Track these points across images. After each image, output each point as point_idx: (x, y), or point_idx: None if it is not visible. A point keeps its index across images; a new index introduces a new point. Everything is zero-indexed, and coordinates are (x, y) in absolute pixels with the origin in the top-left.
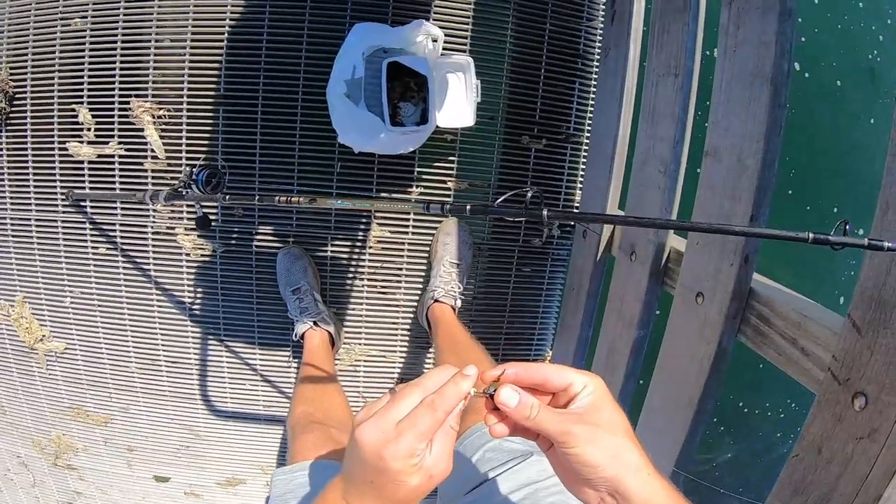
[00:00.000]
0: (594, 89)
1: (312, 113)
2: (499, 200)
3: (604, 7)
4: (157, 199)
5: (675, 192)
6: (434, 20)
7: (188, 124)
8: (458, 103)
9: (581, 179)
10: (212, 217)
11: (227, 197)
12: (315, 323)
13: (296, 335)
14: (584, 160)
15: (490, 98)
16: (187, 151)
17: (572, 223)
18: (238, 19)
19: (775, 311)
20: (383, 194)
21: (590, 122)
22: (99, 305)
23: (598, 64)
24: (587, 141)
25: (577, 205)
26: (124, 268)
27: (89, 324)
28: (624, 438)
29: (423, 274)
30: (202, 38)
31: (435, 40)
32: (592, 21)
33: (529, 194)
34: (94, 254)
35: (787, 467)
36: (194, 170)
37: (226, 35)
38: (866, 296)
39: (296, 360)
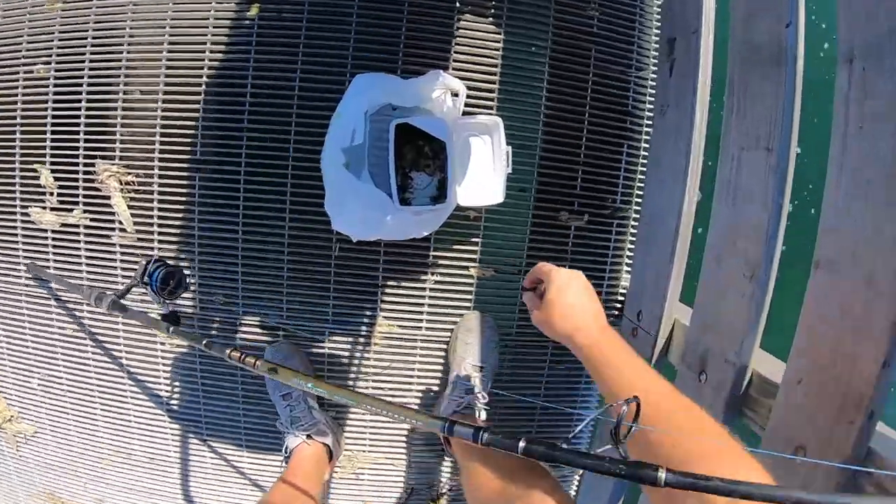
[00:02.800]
0: (644, 153)
1: (304, 183)
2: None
3: (656, 54)
4: (100, 304)
5: (765, 304)
6: (454, 71)
7: (160, 193)
8: (484, 174)
9: (628, 262)
10: (187, 306)
11: (172, 329)
12: (309, 436)
13: (285, 450)
14: (633, 239)
15: (522, 165)
16: (159, 225)
17: (619, 315)
18: (218, 67)
19: None
20: (390, 283)
21: (639, 192)
22: (68, 390)
23: (649, 122)
24: (636, 215)
25: (623, 292)
26: (93, 352)
27: (58, 409)
28: (564, 320)
29: (438, 375)
30: (177, 91)
31: (455, 95)
32: (643, 70)
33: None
34: (60, 334)
35: None
36: (149, 266)
37: (203, 86)
38: None
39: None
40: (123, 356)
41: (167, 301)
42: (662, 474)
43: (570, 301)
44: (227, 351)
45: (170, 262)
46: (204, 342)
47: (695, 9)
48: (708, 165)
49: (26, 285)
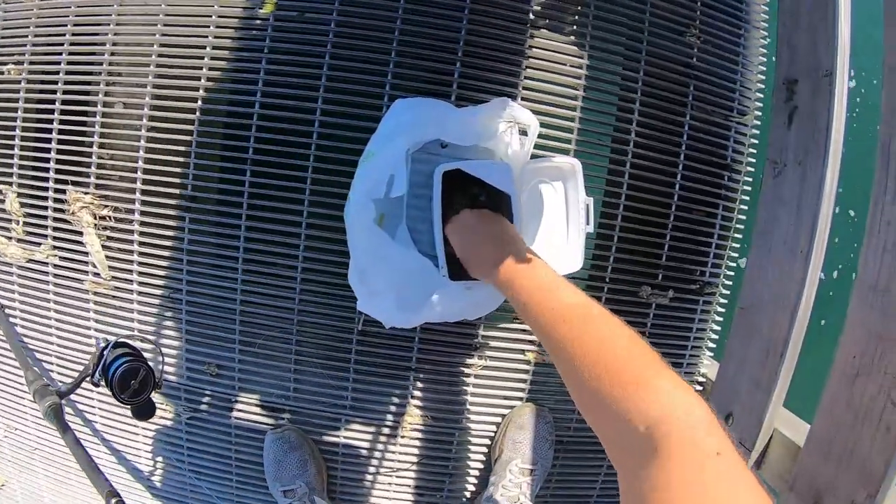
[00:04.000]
0: (741, 216)
1: (323, 236)
2: None
3: (765, 97)
4: (40, 402)
5: None
6: (524, 101)
7: (141, 233)
8: (558, 235)
9: (710, 344)
10: (171, 373)
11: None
12: None
13: None
14: (719, 318)
15: (598, 227)
16: (139, 273)
17: None
18: (219, 78)
19: None
20: (426, 367)
21: (732, 264)
22: (37, 450)
23: (748, 180)
24: (725, 290)
25: (703, 381)
26: (66, 412)
27: (28, 467)
28: None
29: (475, 476)
30: (167, 105)
31: (524, 133)
32: (745, 115)
33: None
34: (25, 393)
35: None
36: (106, 352)
37: (200, 101)
38: None
39: None
40: (98, 422)
41: (128, 403)
42: None
43: None
44: None
45: (142, 337)
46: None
47: (826, 43)
48: (834, 242)
49: None
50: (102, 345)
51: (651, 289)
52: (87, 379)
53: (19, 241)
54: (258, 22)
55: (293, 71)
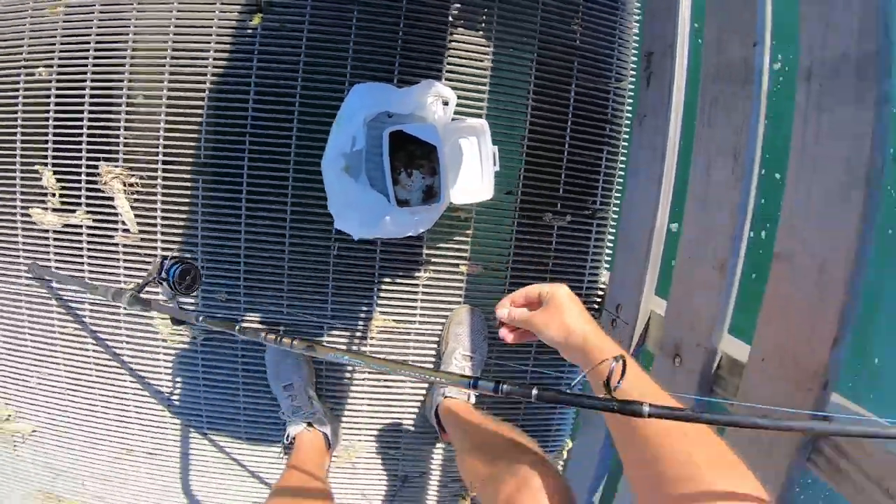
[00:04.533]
0: (623, 158)
1: (305, 186)
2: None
3: (634, 67)
4: (119, 300)
5: (731, 296)
6: (446, 80)
7: (163, 194)
8: (473, 174)
9: (607, 259)
10: (191, 302)
11: (201, 318)
12: (309, 424)
13: (287, 437)
14: (611, 238)
15: (508, 169)
16: (162, 226)
17: (599, 308)
18: (221, 73)
19: (856, 443)
20: (386, 280)
21: (618, 195)
22: (68, 388)
23: (627, 130)
24: (615, 216)
25: (603, 287)
26: (95, 351)
27: (58, 407)
28: (569, 317)
29: (430, 365)
30: (180, 95)
31: (446, 103)
32: (622, 81)
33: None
34: (61, 333)
35: None
36: (166, 262)
37: (207, 92)
38: None
39: (287, 457)
40: (125, 353)
41: (183, 295)
42: (646, 408)
43: (577, 306)
44: (263, 334)
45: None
46: (237, 327)
47: (672, 25)
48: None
49: (27, 285)
50: (161, 258)
51: (552, 214)
52: (153, 279)
53: (55, 210)
54: (249, 31)
55: (278, 66)
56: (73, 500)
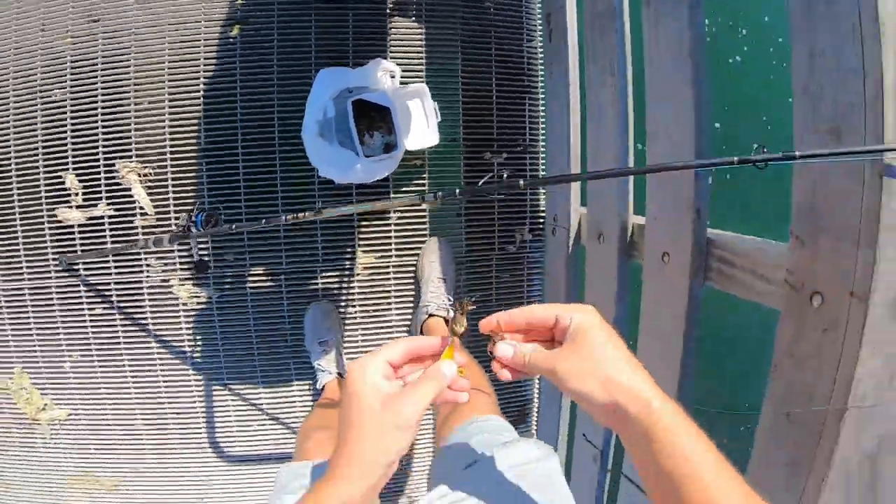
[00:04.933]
0: (542, 99)
1: (291, 155)
2: (481, 182)
3: (541, 27)
4: (161, 244)
5: (629, 179)
6: (391, 57)
7: (174, 178)
8: (420, 126)
9: (542, 191)
10: (208, 267)
11: (234, 225)
12: (339, 373)
13: (319, 384)
14: (544, 167)
15: (450, 121)
16: (175, 203)
17: (542, 226)
18: (211, 76)
19: (734, 252)
20: (363, 224)
21: (544, 131)
22: (100, 365)
23: (543, 77)
24: (543, 148)
25: (543, 206)
26: (122, 325)
27: (91, 386)
28: (615, 363)
29: (412, 294)
30: (179, 97)
31: (393, 76)
32: (532, 41)
33: (505, 175)
34: (90, 315)
35: (773, 380)
36: (192, 214)
37: (201, 91)
38: (801, 210)
39: (306, 397)
40: (149, 323)
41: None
42: (522, 181)
43: (620, 344)
44: (283, 217)
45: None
46: (262, 221)
47: None
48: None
49: (57, 278)
50: (189, 211)
51: (490, 153)
52: (186, 224)
53: (78, 207)
54: (231, 39)
55: (257, 64)
56: (109, 479)
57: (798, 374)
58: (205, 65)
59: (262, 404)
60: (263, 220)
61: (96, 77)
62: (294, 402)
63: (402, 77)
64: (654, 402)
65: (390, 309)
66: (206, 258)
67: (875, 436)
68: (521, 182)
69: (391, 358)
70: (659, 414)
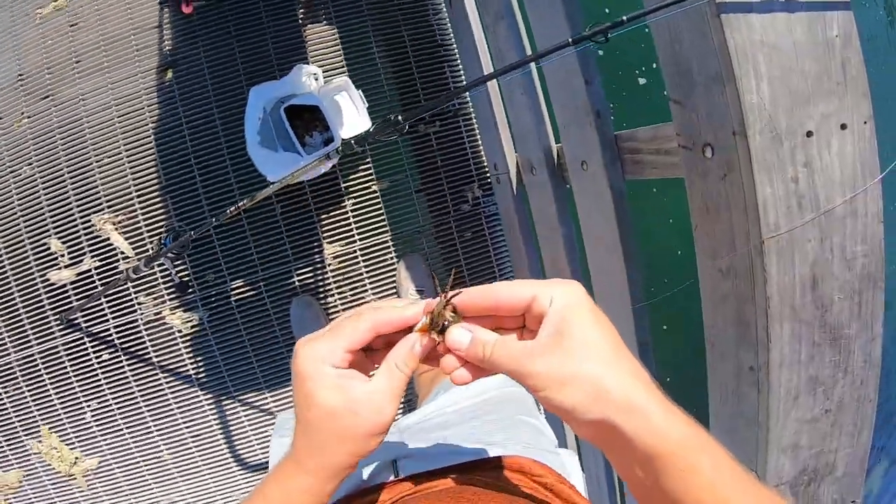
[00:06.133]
0: (460, 67)
1: (244, 170)
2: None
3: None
4: (139, 271)
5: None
6: (312, 60)
7: (144, 218)
8: (352, 115)
9: (479, 136)
10: (189, 287)
11: (192, 232)
12: None
13: None
14: (476, 125)
15: (380, 105)
16: (150, 239)
17: (489, 179)
18: (158, 120)
19: (638, 140)
20: (323, 217)
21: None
22: (117, 408)
23: (455, 46)
24: (472, 108)
25: (485, 162)
26: (129, 365)
27: (113, 430)
28: (608, 365)
29: (384, 274)
30: (134, 146)
31: (316, 77)
32: (438, 14)
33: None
34: (98, 363)
35: (698, 239)
36: (161, 238)
37: (152, 135)
38: (670, 74)
39: None
40: (153, 356)
41: (179, 252)
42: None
43: (616, 338)
44: (226, 210)
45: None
46: (213, 219)
47: None
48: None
49: (62, 335)
50: (157, 239)
51: (425, 125)
52: (158, 250)
53: (66, 266)
54: (167, 83)
55: (195, 101)
56: None
57: (716, 226)
58: (149, 112)
59: (270, 408)
60: (214, 219)
61: (56, 146)
62: None
63: (325, 76)
64: (654, 416)
65: (366, 290)
66: (188, 280)
67: (803, 260)
68: (400, 118)
69: (351, 344)
70: (665, 432)
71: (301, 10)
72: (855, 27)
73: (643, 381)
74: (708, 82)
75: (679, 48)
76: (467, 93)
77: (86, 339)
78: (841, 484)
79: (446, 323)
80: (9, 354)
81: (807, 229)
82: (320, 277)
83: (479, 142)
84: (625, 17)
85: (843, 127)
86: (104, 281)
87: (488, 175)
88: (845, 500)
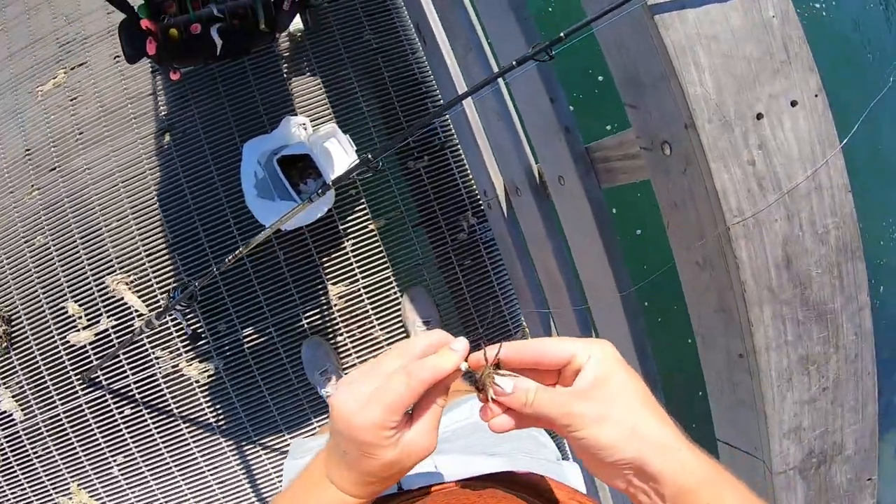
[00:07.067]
0: (440, 98)
1: (245, 221)
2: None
3: (416, 38)
4: (152, 325)
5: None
6: (299, 111)
7: (154, 275)
8: (342, 159)
9: (467, 166)
10: (202, 337)
11: (198, 282)
12: None
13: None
14: (462, 154)
15: (368, 146)
16: (161, 294)
17: (481, 206)
18: (160, 181)
19: (607, 148)
20: (324, 260)
21: (450, 123)
22: (142, 460)
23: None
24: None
25: (476, 191)
26: (151, 417)
27: (140, 482)
28: (642, 409)
29: (389, 310)
30: (139, 208)
31: (305, 127)
32: (416, 53)
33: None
34: (121, 418)
35: (671, 235)
36: (171, 292)
37: (155, 196)
38: (622, 81)
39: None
40: (173, 408)
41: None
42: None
43: (644, 390)
44: (226, 259)
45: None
46: (215, 270)
47: (415, 1)
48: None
49: (84, 394)
50: (167, 292)
51: (414, 161)
52: (169, 302)
53: (85, 327)
54: (165, 145)
55: (194, 160)
56: None
57: (685, 220)
58: (151, 174)
59: (286, 446)
60: (215, 267)
61: (66, 214)
62: (316, 433)
63: (314, 124)
64: (682, 454)
65: (373, 326)
66: (200, 331)
67: (773, 241)
68: (370, 156)
69: (407, 406)
70: (692, 469)
71: (285, 66)
72: (791, 4)
73: (670, 425)
74: (655, 82)
75: (625, 54)
76: (450, 126)
77: (108, 396)
78: (853, 463)
79: (492, 372)
80: (35, 416)
81: (772, 210)
82: (328, 318)
83: (468, 171)
84: (562, 34)
85: (794, 104)
86: (120, 338)
87: (480, 202)
88: (860, 478)
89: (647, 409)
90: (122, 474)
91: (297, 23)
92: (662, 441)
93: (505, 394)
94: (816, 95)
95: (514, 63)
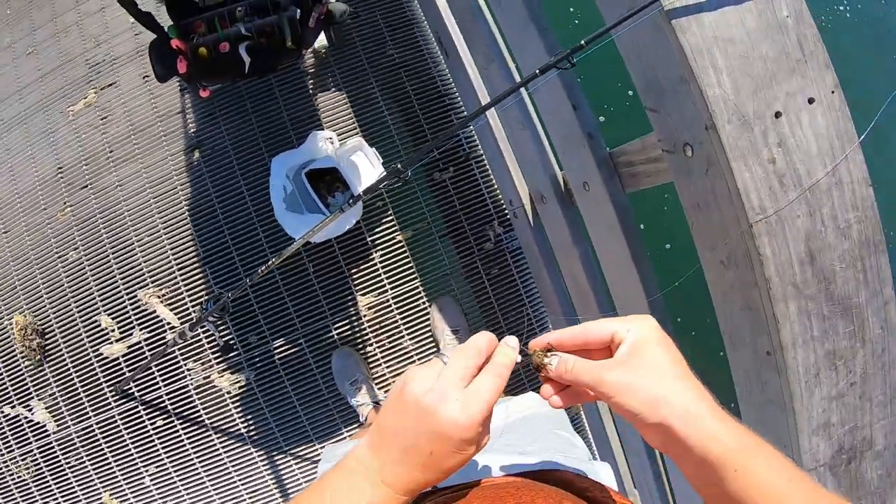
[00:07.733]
0: (464, 111)
1: (274, 234)
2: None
3: (437, 51)
4: (185, 336)
5: (542, 139)
6: (326, 125)
7: (186, 288)
8: (368, 172)
9: (492, 176)
10: (234, 349)
11: (230, 294)
12: (377, 403)
13: (362, 418)
14: (487, 165)
15: (395, 158)
16: (192, 307)
17: (507, 215)
18: (190, 197)
19: (629, 152)
20: (353, 271)
21: (474, 133)
22: (174, 471)
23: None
24: (481, 149)
25: (503, 201)
26: (183, 428)
27: (172, 493)
28: (671, 381)
29: (418, 320)
30: (171, 223)
31: (332, 141)
32: (438, 66)
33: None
34: (153, 429)
35: (696, 235)
36: (203, 305)
37: (186, 211)
38: (642, 86)
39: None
40: (205, 419)
41: (221, 315)
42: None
43: (677, 358)
44: (258, 271)
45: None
46: (248, 281)
47: (436, 14)
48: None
49: (117, 405)
50: (200, 304)
51: (440, 173)
52: (202, 313)
53: (117, 340)
54: (195, 161)
55: (223, 176)
56: None
57: (709, 220)
58: (181, 190)
59: (320, 459)
60: (248, 279)
61: (99, 230)
62: (347, 440)
63: (340, 138)
64: (706, 421)
65: (402, 336)
66: (231, 342)
67: (796, 237)
68: (399, 166)
69: (495, 399)
70: (717, 436)
71: (310, 82)
72: (804, 4)
73: (701, 394)
74: (674, 86)
75: (645, 60)
76: (475, 136)
77: (140, 408)
78: (883, 458)
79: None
80: (68, 427)
81: (794, 206)
82: (357, 328)
83: (494, 181)
84: (583, 41)
85: (811, 101)
86: (152, 350)
87: (506, 211)
88: (891, 474)
89: (678, 382)
90: (153, 485)
91: (321, 39)
92: (689, 410)
93: (552, 368)
94: (833, 92)
95: (537, 72)
